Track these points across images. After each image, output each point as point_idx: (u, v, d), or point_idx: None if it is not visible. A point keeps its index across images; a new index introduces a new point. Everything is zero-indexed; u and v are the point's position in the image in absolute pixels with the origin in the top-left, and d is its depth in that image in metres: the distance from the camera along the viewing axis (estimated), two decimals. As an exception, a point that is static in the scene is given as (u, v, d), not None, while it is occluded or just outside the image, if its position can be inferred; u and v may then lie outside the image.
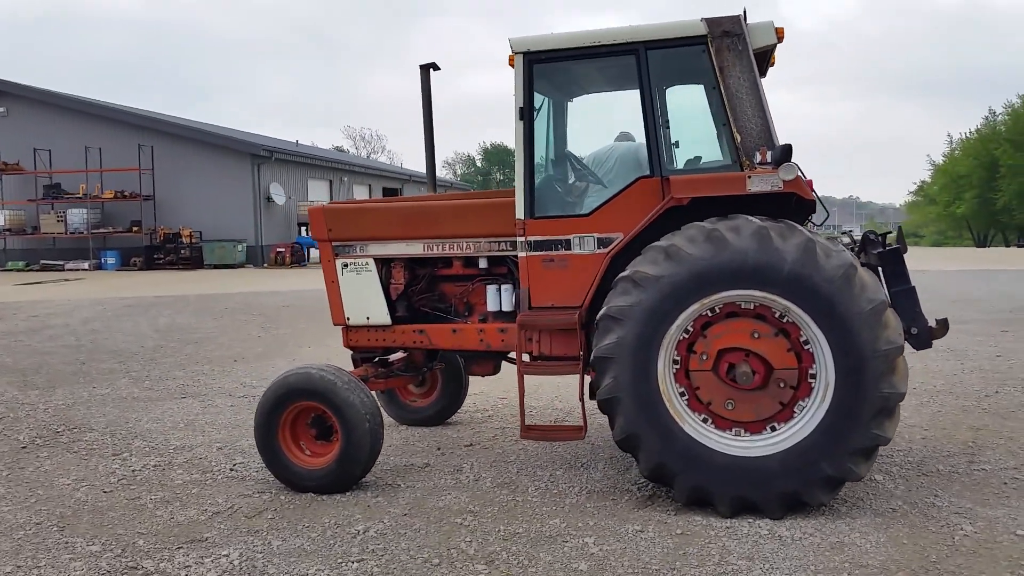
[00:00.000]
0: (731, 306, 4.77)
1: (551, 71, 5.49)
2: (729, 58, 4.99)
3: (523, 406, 5.24)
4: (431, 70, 6.30)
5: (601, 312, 4.85)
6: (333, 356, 10.90)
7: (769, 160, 4.87)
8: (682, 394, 4.85)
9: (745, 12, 5.04)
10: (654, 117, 5.11)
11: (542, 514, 4.88)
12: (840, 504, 4.80)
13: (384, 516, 4.93)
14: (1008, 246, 53.94)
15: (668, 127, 5.20)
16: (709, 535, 4.45)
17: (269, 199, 32.46)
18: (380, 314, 5.96)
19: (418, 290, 6.04)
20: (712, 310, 4.78)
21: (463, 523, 4.77)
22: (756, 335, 4.72)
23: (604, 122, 6.32)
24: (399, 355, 6.37)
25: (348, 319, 6.03)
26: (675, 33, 5.10)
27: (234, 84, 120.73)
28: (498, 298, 5.81)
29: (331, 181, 39.84)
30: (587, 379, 5.28)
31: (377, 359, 6.27)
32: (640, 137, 5.47)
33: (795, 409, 4.72)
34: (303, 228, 34.48)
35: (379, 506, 5.12)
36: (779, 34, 5.07)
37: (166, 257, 30.60)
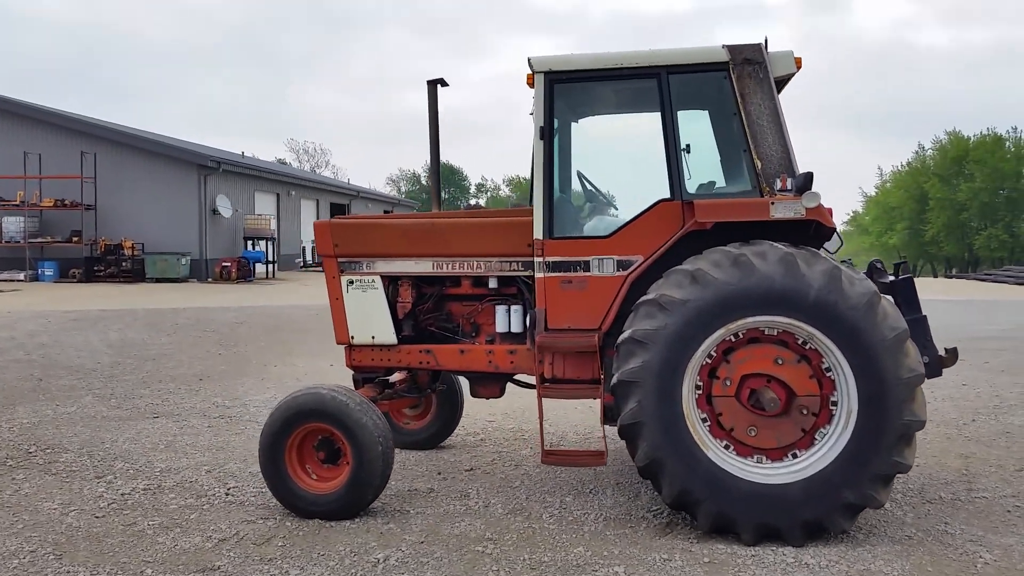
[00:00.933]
0: (754, 332, 4.80)
1: (567, 91, 5.47)
2: (751, 85, 5.05)
3: (543, 430, 5.17)
4: (439, 86, 6.24)
5: (625, 335, 4.83)
6: (303, 376, 10.67)
7: (789, 187, 4.94)
8: (704, 420, 4.85)
9: (766, 40, 5.12)
10: (676, 141, 5.14)
11: (563, 542, 4.81)
12: (855, 531, 4.85)
13: (400, 544, 4.79)
14: (935, 276, 56.01)
15: (689, 151, 5.23)
16: (737, 563, 4.44)
17: (215, 211, 31.71)
18: (386, 333, 5.83)
19: (425, 309, 5.93)
20: (735, 335, 4.80)
21: (484, 551, 4.67)
22: (780, 361, 4.75)
23: (609, 144, 6.33)
24: (399, 375, 6.23)
25: (352, 338, 5.88)
26: (697, 59, 5.16)
27: (163, 91, 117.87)
28: (507, 319, 5.74)
29: (278, 195, 39.19)
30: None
31: (377, 379, 6.12)
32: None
33: (816, 436, 4.77)
34: (249, 242, 33.81)
35: (392, 533, 4.97)
36: (798, 63, 5.16)
37: (107, 269, 29.53)
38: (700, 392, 4.85)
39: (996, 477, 5.95)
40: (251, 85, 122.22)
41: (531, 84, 5.61)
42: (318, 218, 45.00)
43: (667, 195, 5.17)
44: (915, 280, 5.39)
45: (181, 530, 5.05)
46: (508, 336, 5.78)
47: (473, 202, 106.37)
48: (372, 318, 5.85)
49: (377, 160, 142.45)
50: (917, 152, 67.20)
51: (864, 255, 74.38)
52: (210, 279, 30.56)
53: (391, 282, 5.93)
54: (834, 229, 4.99)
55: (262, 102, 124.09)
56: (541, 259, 5.28)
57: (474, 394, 6.14)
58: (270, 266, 33.95)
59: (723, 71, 5.10)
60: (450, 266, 5.79)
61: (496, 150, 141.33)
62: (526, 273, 5.69)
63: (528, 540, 4.84)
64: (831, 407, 4.74)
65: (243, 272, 30.92)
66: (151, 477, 6.14)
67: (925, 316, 5.13)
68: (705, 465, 4.72)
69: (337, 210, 48.38)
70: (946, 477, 5.99)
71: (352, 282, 5.89)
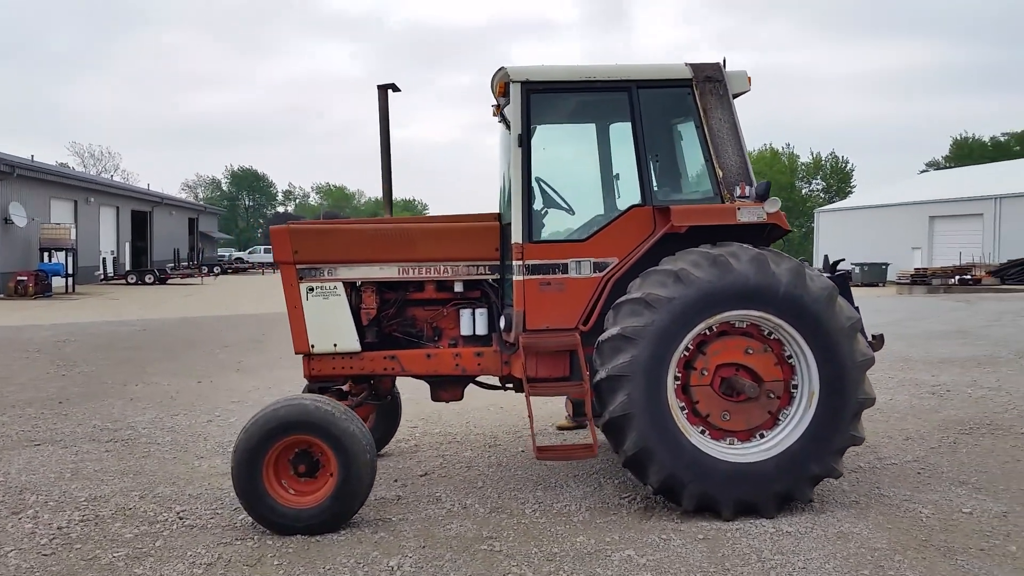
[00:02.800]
0: (725, 325, 5.24)
1: (540, 101, 5.66)
2: (712, 101, 5.51)
3: (533, 428, 5.32)
4: (389, 91, 6.21)
5: (612, 332, 5.10)
6: (176, 395, 10.04)
7: (748, 194, 5.44)
8: (682, 408, 5.22)
9: (724, 61, 5.60)
10: (645, 150, 5.49)
11: (561, 533, 4.99)
12: (812, 502, 5.40)
13: (404, 550, 4.76)
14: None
15: (658, 160, 5.59)
16: (727, 537, 4.84)
17: (7, 220, 28.62)
18: (349, 340, 5.73)
19: (389, 315, 5.89)
20: (710, 329, 5.22)
21: (493, 550, 4.75)
22: (749, 351, 5.22)
23: (560, 152, 6.56)
24: (347, 385, 6.12)
25: (313, 346, 5.72)
26: (665, 75, 5.54)
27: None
28: (472, 322, 5.84)
29: (76, 202, 35.98)
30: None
31: (333, 389, 5.99)
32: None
33: (779, 417, 5.28)
34: (46, 253, 30.82)
35: (388, 541, 4.92)
36: (749, 82, 5.68)
37: None
38: (678, 383, 5.22)
39: (892, 447, 6.81)
40: (19, 83, 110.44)
41: (497, 109, 5.81)
42: (118, 227, 41.74)
43: (638, 201, 5.51)
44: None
45: (157, 559, 4.71)
46: (472, 339, 5.88)
47: (281, 209, 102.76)
48: (334, 326, 5.73)
49: (170, 164, 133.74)
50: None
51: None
52: (2, 295, 27.54)
53: (352, 288, 5.83)
54: (789, 231, 5.54)
55: (32, 102, 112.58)
56: (520, 262, 5.43)
57: (435, 398, 6.16)
58: (69, 279, 31.09)
59: (687, 87, 5.53)
60: (416, 271, 5.80)
61: (301, 156, 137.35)
62: (493, 276, 5.82)
63: (527, 535, 4.98)
64: (791, 391, 5.28)
65: (41, 287, 28.18)
66: (79, 507, 5.62)
67: (858, 307, 5.81)
68: (688, 450, 5.09)
69: (139, 218, 45.16)
70: (853, 449, 6.77)
71: (312, 289, 5.74)
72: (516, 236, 5.44)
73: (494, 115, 6.51)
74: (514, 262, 5.45)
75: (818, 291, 5.10)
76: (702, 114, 5.50)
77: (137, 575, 4.50)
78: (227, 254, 66.33)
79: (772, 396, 5.24)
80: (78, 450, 7.31)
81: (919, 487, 5.72)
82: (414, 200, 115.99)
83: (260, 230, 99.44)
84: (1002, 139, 78.03)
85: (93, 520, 5.39)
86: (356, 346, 5.73)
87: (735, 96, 5.65)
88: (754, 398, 5.20)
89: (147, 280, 37.55)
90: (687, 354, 5.22)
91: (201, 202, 74.54)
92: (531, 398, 5.40)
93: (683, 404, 5.23)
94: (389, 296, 5.90)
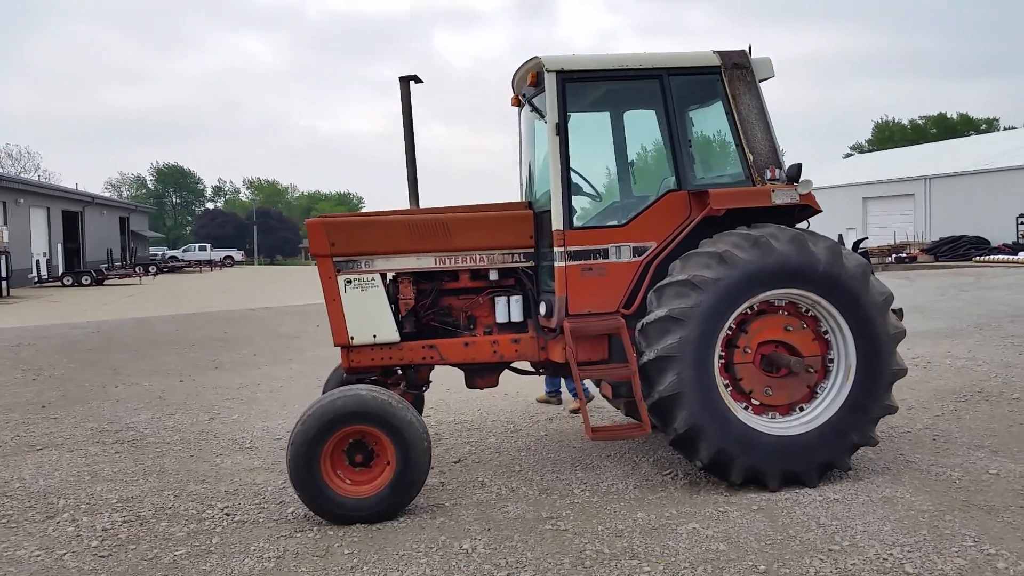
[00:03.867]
0: (764, 304, 5.43)
1: (575, 90, 5.73)
2: (740, 87, 5.68)
3: (585, 410, 5.41)
4: (411, 82, 6.21)
5: (659, 314, 5.23)
6: (163, 393, 9.84)
7: (777, 177, 5.63)
8: (727, 386, 5.39)
9: (750, 48, 5.77)
10: (679, 136, 5.62)
11: (619, 511, 5.11)
12: (838, 472, 5.63)
13: (471, 533, 4.81)
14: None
15: (691, 145, 5.73)
16: (779, 507, 5.03)
17: (-65, 223, 27.30)
18: (388, 331, 5.73)
19: (426, 305, 5.91)
20: (751, 308, 5.40)
21: (559, 528, 4.85)
22: (789, 328, 5.42)
23: (590, 140, 6.65)
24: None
25: (352, 338, 5.70)
26: (695, 63, 5.69)
27: None
28: (507, 309, 5.91)
29: (5, 203, 34.51)
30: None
31: (370, 379, 5.98)
32: None
33: (817, 391, 5.50)
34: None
35: (450, 526, 4.97)
36: (772, 68, 5.86)
37: None
38: (722, 361, 5.39)
39: (899, 417, 7.12)
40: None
41: (516, 104, 5.89)
42: (49, 229, 40.22)
43: (673, 186, 5.65)
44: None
45: (221, 555, 4.67)
46: (508, 326, 5.95)
47: (211, 206, 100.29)
48: (373, 317, 5.72)
49: (92, 163, 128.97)
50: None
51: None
52: (-67, 300, 26.30)
53: (390, 279, 5.84)
54: (820, 211, 5.75)
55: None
56: (562, 248, 5.52)
57: (471, 385, 6.21)
58: (3, 283, 29.87)
59: (716, 74, 5.68)
60: (452, 260, 5.83)
61: (229, 151, 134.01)
62: (528, 264, 5.89)
63: (585, 513, 5.08)
64: (827, 365, 5.50)
65: (-25, 290, 26.98)
66: (115, 509, 5.51)
67: None
68: (736, 426, 5.26)
69: (70, 218, 43.57)
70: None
71: (350, 281, 5.71)
72: (557, 223, 5.51)
73: (513, 104, 6.57)
74: (555, 248, 5.53)
75: (854, 268, 5.33)
76: (731, 100, 5.67)
77: (205, 571, 4.45)
78: (159, 253, 64.51)
79: (811, 371, 5.45)
80: (86, 453, 7.12)
81: (940, 453, 6.03)
82: (349, 193, 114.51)
83: (189, 227, 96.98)
84: (920, 122, 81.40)
85: (136, 520, 5.29)
86: (395, 336, 5.74)
87: (761, 82, 5.83)
88: (795, 373, 5.40)
89: (84, 282, 36.27)
90: (730, 333, 5.39)
91: (127, 201, 72.24)
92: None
93: (726, 382, 5.40)
94: (425, 286, 5.92)
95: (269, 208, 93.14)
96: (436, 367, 6.11)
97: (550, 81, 5.53)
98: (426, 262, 5.81)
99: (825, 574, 4.05)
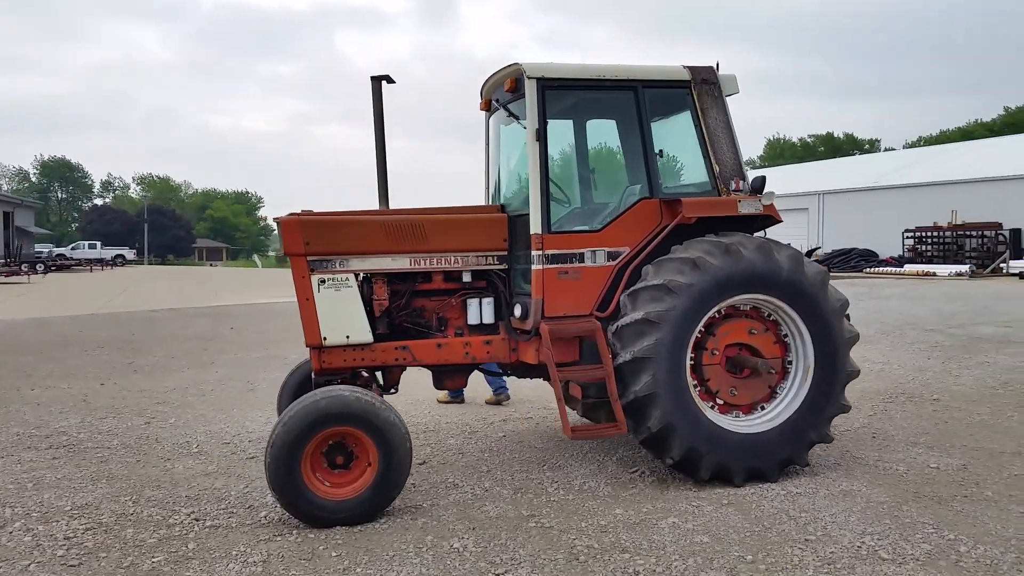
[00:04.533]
0: (730, 308, 5.68)
1: (551, 97, 5.84)
2: (708, 101, 5.93)
3: (563, 410, 5.51)
4: (383, 82, 6.20)
5: (635, 317, 5.40)
6: (88, 397, 9.40)
7: (741, 188, 5.91)
8: (695, 386, 5.62)
9: (717, 64, 6.03)
10: (651, 146, 5.82)
11: (597, 508, 5.23)
12: (796, 468, 5.94)
13: (457, 533, 4.85)
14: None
15: (661, 155, 5.94)
16: (748, 501, 5.28)
17: None
18: (362, 332, 5.69)
19: (399, 306, 5.90)
20: (719, 312, 5.64)
21: (544, 526, 4.94)
22: (753, 331, 5.70)
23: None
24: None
25: (325, 339, 5.64)
26: (667, 76, 5.90)
27: None
28: (479, 311, 5.98)
29: None
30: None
31: (339, 381, 5.93)
32: None
33: (776, 391, 5.80)
34: None
35: (433, 526, 4.99)
36: (737, 84, 6.14)
37: None
38: (692, 363, 5.61)
39: (839, 416, 7.51)
40: None
41: (485, 108, 6.01)
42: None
43: (645, 194, 5.85)
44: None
45: (201, 561, 4.53)
46: (479, 328, 6.01)
47: (99, 202, 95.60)
48: (347, 317, 5.67)
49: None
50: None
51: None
52: None
53: (364, 280, 5.81)
54: (780, 221, 6.05)
55: None
56: (540, 252, 5.62)
57: (440, 386, 6.24)
58: None
59: (687, 88, 5.92)
60: (427, 262, 5.85)
61: (118, 146, 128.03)
62: (501, 267, 5.98)
63: (565, 511, 5.19)
64: (787, 366, 5.80)
65: None
66: (72, 516, 5.27)
67: None
68: (705, 424, 5.49)
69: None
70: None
71: (324, 281, 5.65)
72: (535, 227, 5.62)
73: (482, 109, 6.65)
74: (533, 251, 5.63)
75: (813, 275, 5.65)
76: (700, 113, 5.91)
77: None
78: (46, 250, 61.05)
79: (772, 372, 5.74)
80: (20, 459, 6.76)
81: (882, 449, 6.45)
82: (247, 192, 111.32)
83: (76, 224, 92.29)
84: (809, 140, 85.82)
85: (99, 528, 5.08)
86: (369, 337, 5.71)
87: (727, 97, 6.10)
88: (760, 374, 5.68)
89: (-35, 279, 33.99)
90: (699, 336, 5.62)
91: (11, 195, 68.05)
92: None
93: (695, 382, 5.63)
94: (398, 287, 5.91)
95: (161, 205, 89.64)
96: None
97: (531, 87, 5.64)
98: (401, 263, 5.81)
99: (809, 562, 4.29)
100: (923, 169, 42.52)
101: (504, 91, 5.91)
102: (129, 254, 67.14)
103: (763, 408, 5.77)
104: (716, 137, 5.93)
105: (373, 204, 6.33)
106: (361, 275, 5.85)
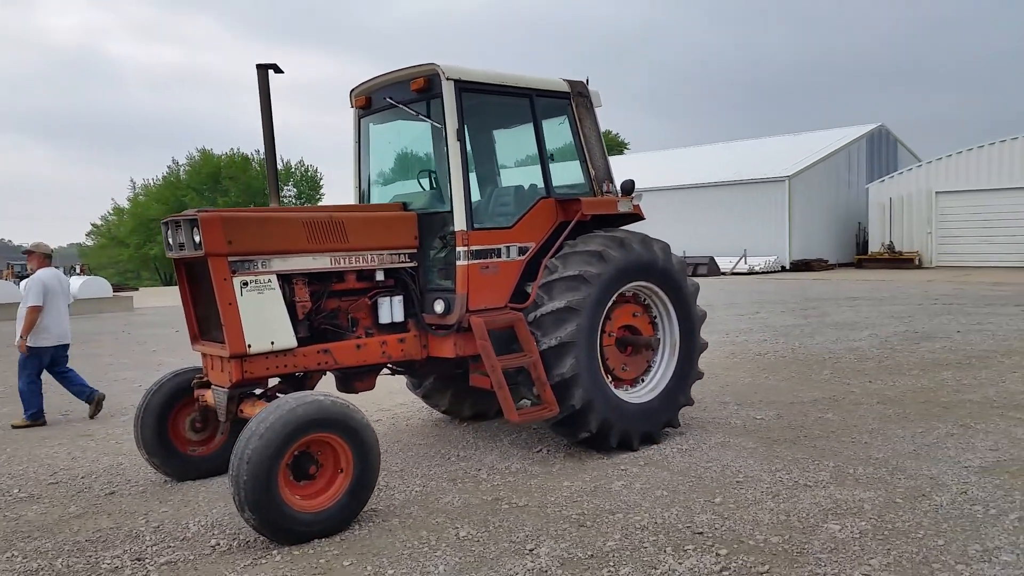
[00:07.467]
0: (621, 295, 6.45)
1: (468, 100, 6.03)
2: (583, 111, 6.63)
3: (506, 395, 5.73)
4: (270, 72, 5.89)
5: (556, 306, 5.90)
6: None
7: (611, 190, 6.72)
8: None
9: (588, 79, 6.74)
10: (545, 150, 6.35)
11: (544, 485, 5.61)
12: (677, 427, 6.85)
13: (447, 523, 4.92)
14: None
15: (552, 158, 6.45)
16: (660, 459, 6.06)
17: None
18: (286, 336, 5.38)
19: (319, 308, 5.67)
20: (613, 299, 6.37)
21: (516, 505, 5.20)
22: (635, 315, 6.53)
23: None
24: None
25: (250, 346, 5.22)
26: (554, 87, 6.47)
27: None
28: (390, 310, 6.00)
29: None
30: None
31: (258, 391, 5.55)
32: None
33: (650, 364, 6.70)
34: None
35: (414, 524, 4.96)
36: (600, 99, 6.91)
37: None
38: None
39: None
40: None
41: (362, 106, 6.12)
42: None
43: (543, 194, 6.36)
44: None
45: (208, 595, 4.09)
46: (389, 326, 6.03)
47: None
48: (271, 321, 5.33)
49: None
50: (170, 167, 69.85)
51: (125, 265, 73.20)
52: None
53: (285, 281, 5.49)
54: (644, 219, 6.92)
55: None
56: (465, 248, 5.83)
57: (348, 390, 6.09)
58: None
59: (567, 99, 6.55)
60: (346, 260, 5.72)
61: None
62: (412, 264, 6.06)
63: (524, 490, 5.49)
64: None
65: None
66: (28, 543, 4.30)
67: None
68: (612, 398, 6.18)
69: None
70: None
71: (247, 283, 5.24)
72: (460, 224, 5.82)
73: (358, 106, 6.61)
74: (459, 248, 5.82)
75: (678, 264, 6.65)
76: (578, 122, 6.59)
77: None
78: None
79: (648, 349, 6.63)
80: None
81: (708, 409, 7.69)
82: None
83: None
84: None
85: (71, 553, 4.32)
86: (293, 342, 5.41)
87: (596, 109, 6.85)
88: (652, 349, 6.52)
89: None
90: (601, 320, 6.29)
91: None
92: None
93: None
94: (316, 288, 5.68)
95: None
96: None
97: (448, 88, 5.82)
98: (322, 262, 5.61)
99: (762, 497, 5.17)
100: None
101: (411, 90, 5.98)
102: None
103: (642, 381, 6.63)
104: (591, 144, 6.66)
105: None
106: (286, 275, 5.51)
